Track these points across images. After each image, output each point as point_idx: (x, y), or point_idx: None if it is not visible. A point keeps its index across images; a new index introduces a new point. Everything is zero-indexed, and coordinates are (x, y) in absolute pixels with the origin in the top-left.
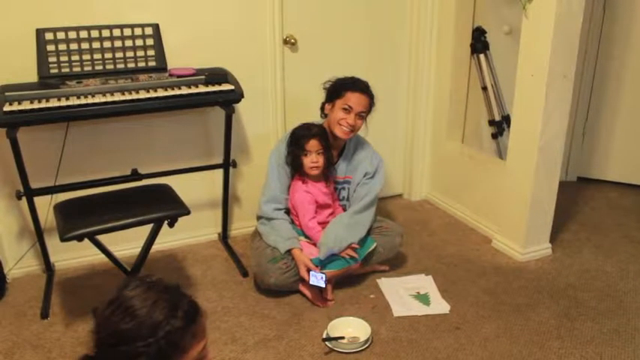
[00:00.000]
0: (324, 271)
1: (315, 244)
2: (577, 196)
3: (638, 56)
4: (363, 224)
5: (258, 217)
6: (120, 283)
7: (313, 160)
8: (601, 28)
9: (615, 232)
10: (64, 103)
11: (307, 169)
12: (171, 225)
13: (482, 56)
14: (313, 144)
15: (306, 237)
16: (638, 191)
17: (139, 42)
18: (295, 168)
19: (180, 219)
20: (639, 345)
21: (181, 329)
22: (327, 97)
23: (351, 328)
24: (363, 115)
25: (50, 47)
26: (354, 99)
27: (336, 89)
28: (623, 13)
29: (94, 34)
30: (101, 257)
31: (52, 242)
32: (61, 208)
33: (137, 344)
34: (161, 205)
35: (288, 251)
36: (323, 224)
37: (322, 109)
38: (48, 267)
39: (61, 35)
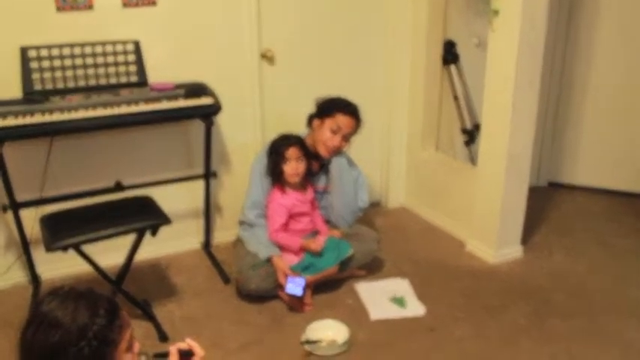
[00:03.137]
0: (302, 276)
1: (292, 252)
2: (548, 200)
3: (602, 62)
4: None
5: (241, 222)
6: (33, 303)
7: (293, 167)
8: (566, 35)
9: (584, 234)
10: (48, 118)
11: (288, 176)
12: (153, 234)
13: (452, 67)
14: (293, 151)
15: None
16: (606, 195)
17: (120, 58)
18: (275, 177)
19: (164, 229)
20: (606, 340)
21: (107, 325)
22: (318, 112)
23: (329, 331)
24: (348, 138)
25: (34, 64)
26: (343, 121)
27: (328, 108)
28: (588, 19)
29: (77, 50)
30: (87, 268)
31: (38, 254)
32: (46, 221)
33: (71, 351)
34: (143, 216)
35: (269, 258)
36: (303, 232)
37: (309, 120)
38: (34, 278)
39: (44, 52)
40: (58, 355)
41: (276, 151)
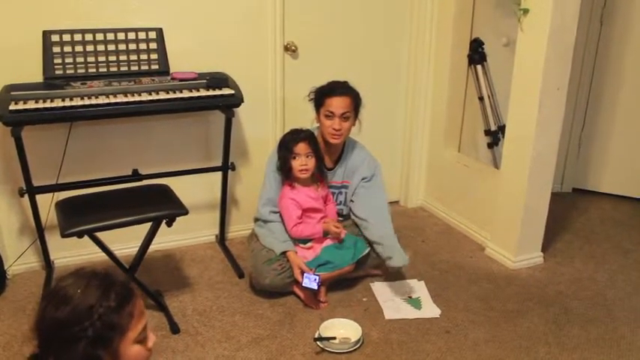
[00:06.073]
0: (317, 273)
1: (308, 248)
2: (571, 206)
3: (634, 69)
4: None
5: (256, 219)
6: (46, 289)
7: (302, 162)
8: (598, 41)
9: (607, 242)
10: (68, 103)
11: (296, 172)
12: (169, 224)
13: (479, 67)
14: (302, 147)
15: (301, 242)
16: (631, 203)
17: (142, 45)
18: (285, 172)
19: (178, 220)
20: (624, 351)
21: (116, 310)
22: (314, 108)
23: (342, 329)
24: (348, 116)
25: (56, 49)
26: (334, 104)
27: (317, 98)
28: (620, 26)
29: (99, 37)
30: (100, 255)
31: (53, 240)
32: (62, 206)
33: (75, 329)
34: (160, 205)
35: (284, 253)
36: None
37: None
38: (48, 264)
39: (66, 37)
40: (64, 331)
41: (286, 146)
